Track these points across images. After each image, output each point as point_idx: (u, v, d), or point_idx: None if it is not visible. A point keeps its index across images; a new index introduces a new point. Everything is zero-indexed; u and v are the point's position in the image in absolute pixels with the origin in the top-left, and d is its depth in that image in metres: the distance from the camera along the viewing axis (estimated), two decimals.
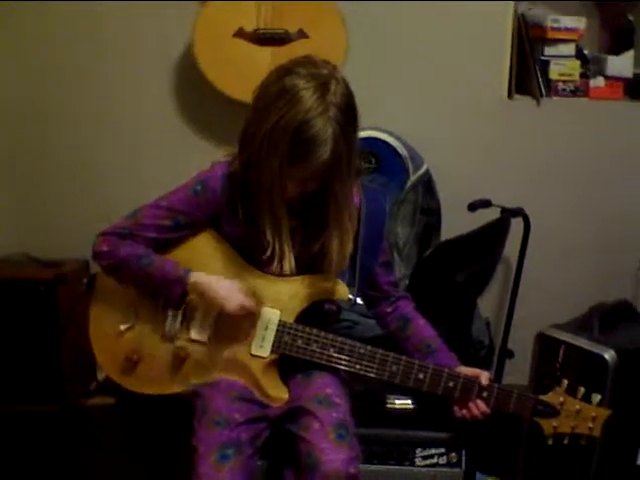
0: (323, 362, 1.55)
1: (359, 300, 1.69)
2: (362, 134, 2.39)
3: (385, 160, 2.34)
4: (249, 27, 2.29)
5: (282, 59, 1.47)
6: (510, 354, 2.19)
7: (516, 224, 2.27)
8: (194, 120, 2.51)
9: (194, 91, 2.44)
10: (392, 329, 1.68)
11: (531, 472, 1.95)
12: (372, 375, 1.55)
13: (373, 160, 2.33)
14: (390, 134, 2.38)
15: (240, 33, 2.29)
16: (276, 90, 1.39)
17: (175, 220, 1.54)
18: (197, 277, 1.53)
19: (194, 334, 1.57)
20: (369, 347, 1.55)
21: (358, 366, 1.55)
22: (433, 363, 1.56)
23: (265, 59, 2.27)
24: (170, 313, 1.57)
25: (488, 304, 2.46)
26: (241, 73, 2.28)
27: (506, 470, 2.07)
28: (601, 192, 2.59)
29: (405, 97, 2.49)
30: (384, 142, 2.36)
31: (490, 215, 2.23)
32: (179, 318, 1.57)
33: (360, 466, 1.45)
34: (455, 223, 2.32)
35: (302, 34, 2.30)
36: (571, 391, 1.54)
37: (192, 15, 2.28)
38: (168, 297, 1.55)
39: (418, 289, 1.90)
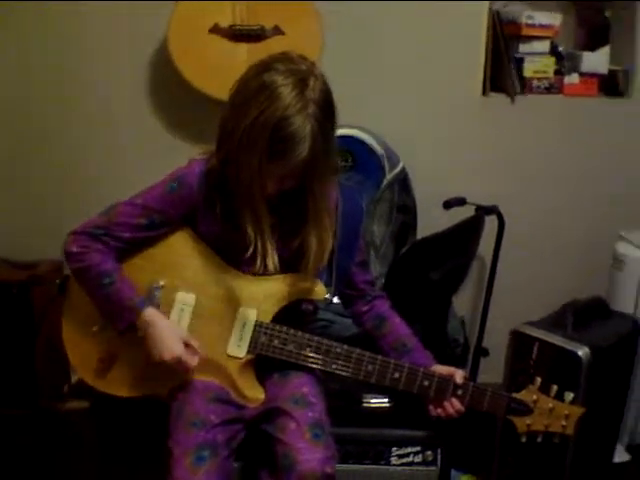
0: (300, 362, 1.54)
1: (335, 299, 1.69)
2: (338, 132, 2.38)
3: (361, 158, 2.34)
4: (224, 23, 2.27)
5: (258, 55, 1.46)
6: (485, 352, 2.20)
7: (491, 222, 2.29)
8: (170, 118, 2.49)
9: (170, 89, 2.42)
10: (368, 328, 1.68)
11: (506, 470, 1.97)
12: (348, 374, 1.55)
13: (349, 158, 2.33)
14: (366, 132, 2.37)
15: (215, 29, 2.27)
16: (255, 86, 1.38)
17: (150, 218, 1.52)
18: (150, 314, 1.50)
19: None
20: (345, 346, 1.55)
21: (334, 366, 1.55)
22: (409, 362, 1.56)
23: (241, 55, 2.26)
24: None
25: (463, 302, 2.48)
26: (217, 70, 2.26)
27: (481, 468, 2.08)
28: (576, 189, 2.62)
29: (381, 95, 2.49)
30: (360, 140, 2.36)
31: (466, 213, 2.24)
32: None
33: (336, 466, 1.45)
34: (431, 221, 2.32)
35: (278, 30, 2.28)
36: (544, 389, 1.55)
37: (166, 13, 2.26)
38: (116, 322, 1.52)
39: (394, 287, 1.91)
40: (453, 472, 1.96)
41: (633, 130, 2.63)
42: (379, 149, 2.36)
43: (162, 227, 1.54)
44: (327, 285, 1.59)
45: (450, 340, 2.08)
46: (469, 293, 2.51)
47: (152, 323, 1.49)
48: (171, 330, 1.50)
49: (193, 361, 1.50)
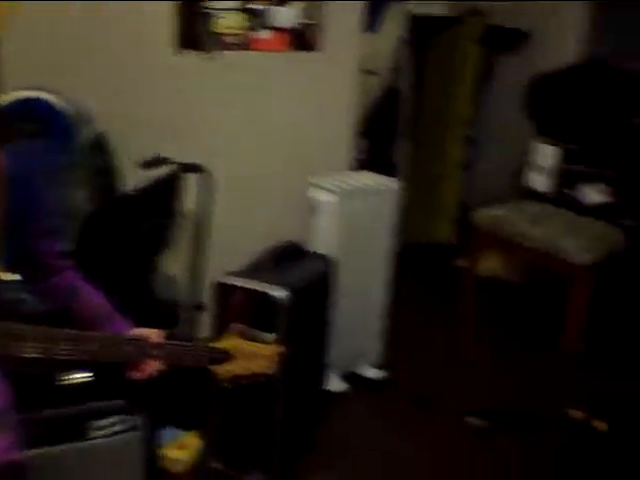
0: None
1: (16, 276, 1.56)
2: (21, 94, 2.22)
3: (51, 122, 2.17)
4: None
5: None
6: (202, 307, 2.21)
7: (197, 178, 2.28)
8: None
9: None
10: (61, 303, 1.58)
11: (218, 418, 2.02)
12: (38, 355, 1.43)
13: (36, 122, 2.15)
14: (55, 94, 2.21)
15: None
16: None
17: None
18: None
19: None
20: (31, 326, 1.43)
21: (21, 348, 1.42)
22: (107, 331, 1.50)
23: None
24: None
25: (176, 260, 2.45)
26: None
27: (198, 422, 2.11)
28: (273, 140, 2.72)
29: (73, 57, 2.34)
30: (49, 103, 2.19)
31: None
32: None
33: (31, 451, 1.37)
34: (134, 182, 2.26)
35: None
36: (244, 334, 1.59)
37: None
38: None
39: (89, 252, 1.81)
40: (175, 432, 1.96)
41: (322, 82, 2.79)
42: (70, 111, 2.22)
43: None
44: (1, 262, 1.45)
45: (159, 301, 2.05)
46: (182, 250, 2.47)
47: None
48: None
49: None
